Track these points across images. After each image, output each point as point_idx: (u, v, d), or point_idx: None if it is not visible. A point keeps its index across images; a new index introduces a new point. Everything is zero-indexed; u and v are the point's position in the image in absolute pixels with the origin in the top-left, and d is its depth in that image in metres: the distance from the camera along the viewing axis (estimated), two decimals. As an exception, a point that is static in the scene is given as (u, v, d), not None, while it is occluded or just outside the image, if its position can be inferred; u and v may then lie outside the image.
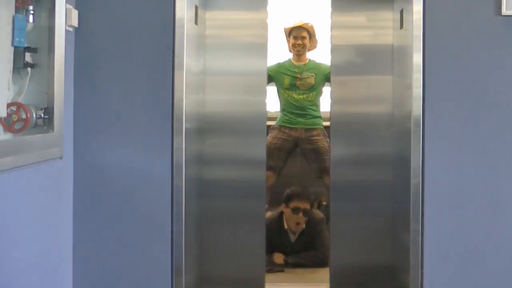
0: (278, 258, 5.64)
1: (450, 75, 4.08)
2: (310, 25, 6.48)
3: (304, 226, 5.86)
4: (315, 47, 6.57)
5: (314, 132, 6.37)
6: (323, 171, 6.31)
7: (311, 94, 6.36)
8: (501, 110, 4.09)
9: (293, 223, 5.83)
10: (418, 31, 4.08)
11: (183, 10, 4.05)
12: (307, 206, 5.86)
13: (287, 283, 5.23)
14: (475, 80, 4.09)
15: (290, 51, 6.52)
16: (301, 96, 6.34)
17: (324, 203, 6.87)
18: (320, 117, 6.45)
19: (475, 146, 4.09)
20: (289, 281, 5.28)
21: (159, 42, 4.07)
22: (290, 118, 6.39)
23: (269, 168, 6.30)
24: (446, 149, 4.10)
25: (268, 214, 6.02)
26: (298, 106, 6.35)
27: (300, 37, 6.41)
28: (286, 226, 5.87)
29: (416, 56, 4.09)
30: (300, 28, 6.43)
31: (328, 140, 6.34)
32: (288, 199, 5.94)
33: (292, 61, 6.46)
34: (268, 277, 5.33)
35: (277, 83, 6.46)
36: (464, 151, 4.10)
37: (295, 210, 5.81)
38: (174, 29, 4.05)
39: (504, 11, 4.03)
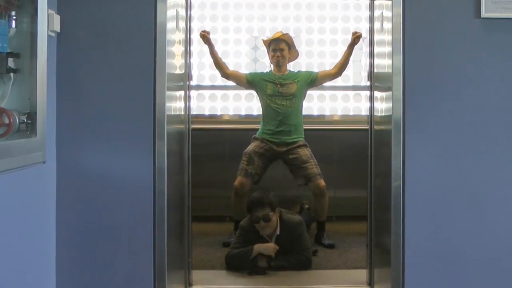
0: (261, 261, 5.63)
1: (430, 77, 4.11)
2: (288, 36, 6.53)
3: (278, 231, 5.84)
4: (296, 57, 6.64)
5: (295, 144, 6.41)
6: (308, 178, 6.34)
7: (293, 100, 6.40)
8: (481, 111, 4.13)
9: (261, 229, 5.84)
10: (397, 34, 4.12)
11: (164, 14, 4.07)
12: (265, 212, 5.78)
13: (269, 286, 5.23)
14: (455, 82, 4.12)
15: (271, 62, 6.56)
16: (284, 103, 6.38)
17: (306, 206, 6.90)
18: (301, 125, 6.49)
19: (455, 147, 4.13)
20: (272, 284, 5.28)
21: (141, 47, 4.07)
22: (271, 129, 6.42)
23: (247, 174, 6.33)
24: (426, 151, 4.13)
25: (246, 219, 6.02)
26: (280, 113, 6.38)
27: (278, 49, 6.46)
28: (261, 233, 5.86)
29: (396, 59, 4.12)
30: (278, 40, 6.48)
31: (308, 149, 6.38)
32: (248, 210, 5.94)
33: (273, 72, 6.50)
34: (251, 280, 5.37)
35: (260, 91, 6.50)
36: (444, 153, 4.13)
37: (255, 220, 5.81)
38: (155, 33, 4.06)
39: (483, 13, 4.08)
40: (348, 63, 6.56)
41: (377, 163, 4.78)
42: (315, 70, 7.18)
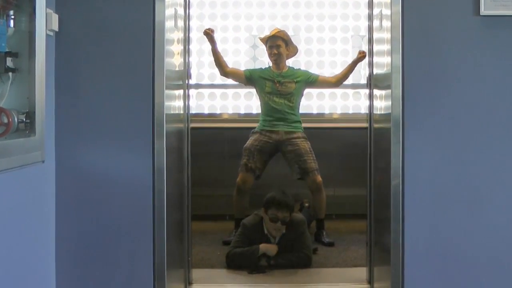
0: (262, 260, 5.64)
1: (429, 75, 4.10)
2: (284, 32, 6.53)
3: (284, 230, 5.84)
4: (294, 53, 6.63)
5: (295, 135, 6.41)
6: (305, 172, 6.34)
7: (291, 98, 6.40)
8: (480, 109, 4.12)
9: (272, 230, 5.83)
10: (396, 32, 4.11)
11: (163, 13, 4.06)
12: (286, 215, 5.81)
13: (269, 284, 5.23)
14: (454, 80, 4.12)
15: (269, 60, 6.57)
16: (282, 101, 6.39)
17: (306, 204, 6.90)
18: (299, 121, 6.49)
19: (455, 145, 4.13)
20: (272, 282, 5.28)
21: (139, 46, 4.07)
22: (270, 121, 6.41)
23: (248, 170, 6.33)
24: (425, 149, 4.12)
25: (249, 217, 6.02)
26: (278, 110, 6.39)
27: (275, 46, 6.46)
28: (266, 231, 5.86)
29: (395, 57, 4.11)
30: (274, 37, 6.48)
31: (308, 142, 6.38)
32: (267, 206, 5.88)
33: (272, 69, 6.50)
34: (251, 278, 5.37)
35: (259, 88, 6.50)
36: (444, 151, 4.13)
37: (273, 219, 5.80)
38: (153, 33, 4.05)
39: (483, 11, 4.07)
40: (348, 76, 6.63)
41: (376, 161, 4.78)
42: (315, 68, 7.21)
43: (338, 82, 6.62)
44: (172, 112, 4.34)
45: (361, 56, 6.32)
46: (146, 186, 4.07)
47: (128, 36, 4.07)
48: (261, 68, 6.70)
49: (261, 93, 6.49)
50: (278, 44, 6.45)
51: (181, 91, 4.73)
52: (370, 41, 4.90)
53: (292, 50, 6.58)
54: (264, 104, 6.49)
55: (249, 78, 6.55)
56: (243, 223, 5.98)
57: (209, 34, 6.32)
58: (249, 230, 5.87)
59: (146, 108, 4.05)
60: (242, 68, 7.09)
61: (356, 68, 6.93)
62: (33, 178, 3.64)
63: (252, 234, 5.83)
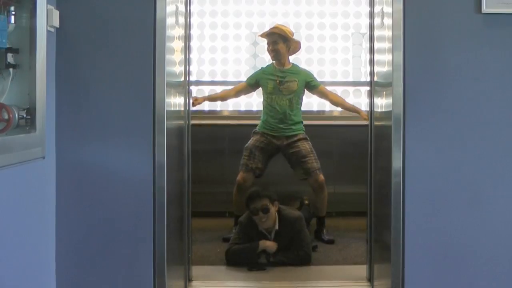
0: (261, 257, 5.64)
1: (431, 73, 4.10)
2: (282, 28, 6.47)
3: (277, 226, 5.85)
4: (296, 48, 6.56)
5: (296, 138, 6.41)
6: (307, 172, 6.33)
7: (293, 98, 6.38)
8: (481, 107, 4.11)
9: (260, 223, 5.84)
10: (398, 30, 4.10)
11: (163, 10, 4.06)
12: (264, 203, 5.80)
13: (268, 281, 5.23)
14: (455, 78, 4.11)
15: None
16: (283, 101, 6.38)
17: (306, 202, 6.89)
18: (301, 122, 6.48)
19: (455, 144, 4.12)
20: (272, 279, 5.28)
21: (140, 42, 4.06)
22: (272, 124, 6.41)
23: (249, 170, 6.32)
24: (426, 147, 4.12)
25: (245, 214, 6.01)
26: (280, 112, 6.38)
27: (271, 42, 6.43)
28: (260, 228, 5.86)
29: (396, 55, 4.11)
30: (271, 34, 6.44)
31: (309, 142, 6.37)
32: (246, 204, 5.94)
33: (275, 65, 6.48)
34: (251, 275, 5.37)
35: (262, 87, 6.49)
36: (444, 149, 4.12)
37: (254, 211, 5.82)
38: (154, 29, 4.05)
39: (484, 9, 4.06)
40: (342, 109, 6.98)
41: (377, 158, 4.77)
42: (315, 65, 7.20)
43: (334, 103, 6.75)
44: (172, 109, 4.34)
45: (362, 117, 6.36)
46: (147, 182, 4.06)
47: (129, 32, 4.06)
48: (262, 68, 6.69)
49: (264, 93, 6.49)
50: (275, 41, 6.42)
51: (181, 88, 4.72)
52: (371, 39, 4.89)
53: (293, 45, 6.52)
54: (266, 105, 6.49)
55: (253, 85, 6.57)
56: (240, 221, 6.00)
57: (197, 102, 6.51)
58: (246, 227, 5.88)
59: (147, 104, 4.05)
60: (243, 65, 7.08)
61: (356, 66, 6.94)
62: (34, 174, 3.64)
63: (249, 231, 5.85)
